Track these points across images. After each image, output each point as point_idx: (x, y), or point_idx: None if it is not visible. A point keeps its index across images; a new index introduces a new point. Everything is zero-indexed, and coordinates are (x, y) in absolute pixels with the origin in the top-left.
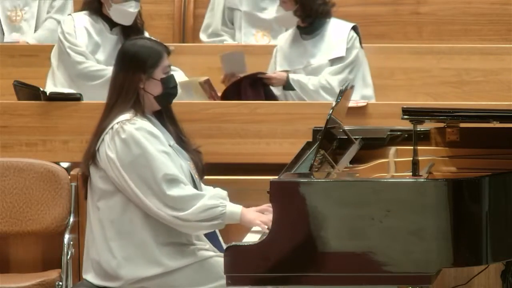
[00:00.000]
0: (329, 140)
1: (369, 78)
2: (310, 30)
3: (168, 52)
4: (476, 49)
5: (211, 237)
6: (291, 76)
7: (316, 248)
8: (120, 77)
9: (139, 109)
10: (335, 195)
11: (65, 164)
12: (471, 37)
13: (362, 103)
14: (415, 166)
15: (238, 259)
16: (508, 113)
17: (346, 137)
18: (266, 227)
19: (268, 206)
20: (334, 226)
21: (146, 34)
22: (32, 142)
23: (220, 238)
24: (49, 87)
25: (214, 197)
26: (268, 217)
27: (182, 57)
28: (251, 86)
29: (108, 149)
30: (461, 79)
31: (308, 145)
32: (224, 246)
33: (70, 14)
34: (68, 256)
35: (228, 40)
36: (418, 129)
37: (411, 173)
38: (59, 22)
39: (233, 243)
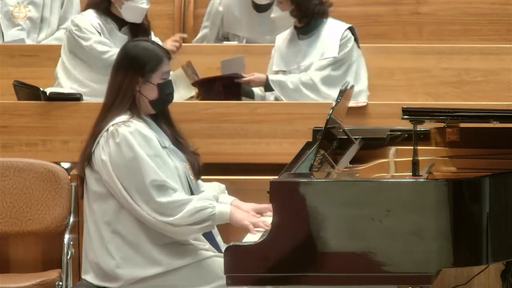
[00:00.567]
0: (329, 140)
1: (363, 75)
2: (306, 30)
3: (169, 58)
4: (476, 49)
5: (209, 237)
6: (271, 77)
7: (316, 248)
8: (119, 78)
9: (135, 110)
10: (335, 195)
11: (66, 165)
12: (471, 37)
13: (362, 103)
14: (415, 166)
15: (238, 259)
16: (508, 113)
17: (346, 137)
18: (253, 227)
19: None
20: (334, 226)
21: (152, 35)
22: (32, 142)
23: (219, 238)
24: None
25: (202, 199)
26: (257, 218)
27: (182, 57)
28: (225, 87)
29: (102, 151)
30: (461, 79)
31: (308, 145)
32: (223, 245)
33: (81, 14)
34: (68, 256)
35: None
36: (418, 129)
37: (411, 173)
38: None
39: (233, 243)
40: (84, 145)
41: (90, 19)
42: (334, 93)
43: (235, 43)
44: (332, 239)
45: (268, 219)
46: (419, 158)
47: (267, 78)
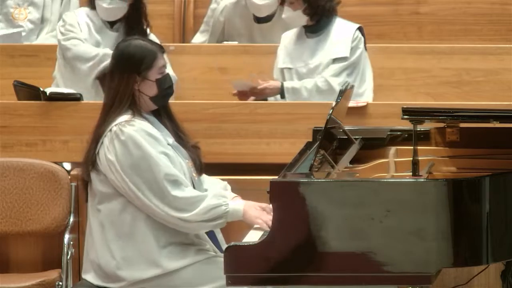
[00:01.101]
0: (329, 140)
1: (368, 76)
2: (315, 28)
3: (163, 51)
4: (476, 49)
5: (210, 235)
6: (286, 84)
7: (316, 248)
8: (115, 80)
9: (136, 109)
10: (335, 195)
11: (67, 166)
12: (471, 37)
13: (362, 103)
14: (415, 166)
15: (238, 259)
16: (508, 113)
17: (346, 137)
18: (266, 226)
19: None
20: (334, 226)
21: (153, 36)
22: (32, 142)
23: (220, 236)
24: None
25: (216, 196)
26: (270, 216)
27: (182, 57)
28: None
29: (108, 152)
30: (461, 79)
31: (308, 145)
32: (224, 244)
33: (73, 11)
34: (68, 256)
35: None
36: (418, 129)
37: (411, 173)
38: None
39: (233, 243)
40: (87, 148)
41: (79, 16)
42: None
43: (235, 43)
44: (332, 239)
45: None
46: (419, 158)
47: (282, 85)
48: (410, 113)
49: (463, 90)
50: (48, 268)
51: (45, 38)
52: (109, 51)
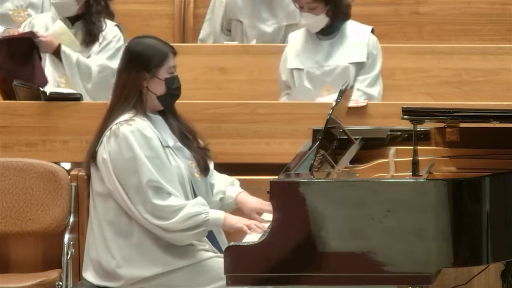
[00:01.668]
0: (329, 140)
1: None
2: (328, 30)
3: (174, 53)
4: (476, 49)
5: (210, 237)
6: (318, 99)
7: (316, 248)
8: (123, 76)
9: (140, 108)
10: (335, 195)
11: (67, 165)
12: (471, 37)
13: (362, 103)
14: (415, 166)
15: (238, 259)
16: (508, 113)
17: (346, 137)
18: (247, 228)
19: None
20: (334, 226)
21: (108, 24)
22: (32, 142)
23: (222, 236)
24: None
25: (196, 204)
26: (250, 220)
27: (182, 57)
28: (11, 55)
29: (104, 150)
30: (461, 79)
31: (308, 145)
32: (225, 244)
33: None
34: (68, 256)
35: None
36: (418, 129)
37: (411, 173)
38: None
39: (233, 243)
40: (90, 142)
41: (44, 17)
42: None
43: (235, 43)
44: (332, 239)
45: (268, 219)
46: (419, 158)
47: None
48: (410, 113)
49: (463, 90)
50: (48, 268)
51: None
52: None
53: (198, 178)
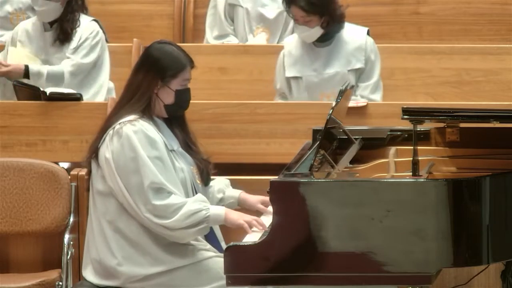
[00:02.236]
0: (329, 140)
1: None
2: (324, 37)
3: (192, 66)
4: (476, 49)
5: (210, 237)
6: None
7: (316, 248)
8: (139, 78)
9: (147, 111)
10: (335, 195)
11: (64, 164)
12: (471, 37)
13: (362, 103)
14: (415, 166)
15: (238, 259)
16: (508, 113)
17: (346, 137)
18: (248, 226)
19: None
20: (334, 226)
21: (88, 20)
22: (32, 142)
23: (220, 238)
24: None
25: (197, 201)
26: (251, 216)
27: None
28: None
29: (106, 149)
30: (461, 79)
31: (308, 145)
32: (224, 245)
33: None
34: (68, 256)
35: (232, 40)
36: (418, 129)
37: (411, 173)
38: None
39: (233, 243)
40: (93, 138)
41: (26, 24)
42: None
43: (235, 43)
44: (332, 239)
45: (268, 218)
46: (419, 158)
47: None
48: (410, 113)
49: (463, 90)
50: (48, 268)
51: None
52: None
53: (199, 184)
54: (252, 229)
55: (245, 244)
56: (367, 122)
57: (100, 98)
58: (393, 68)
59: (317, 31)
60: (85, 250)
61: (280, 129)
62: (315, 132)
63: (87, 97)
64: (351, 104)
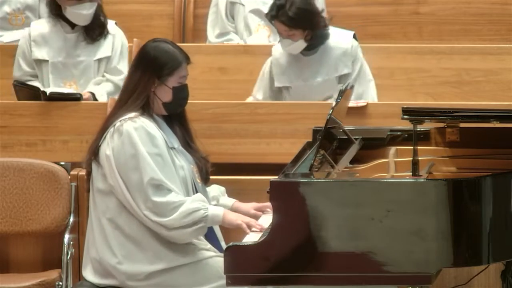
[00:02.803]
0: (329, 140)
1: (371, 75)
2: (310, 46)
3: (188, 62)
4: (476, 49)
5: (210, 237)
6: None
7: (316, 248)
8: (136, 78)
9: (147, 109)
10: (335, 195)
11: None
12: (471, 37)
13: (362, 103)
14: (415, 166)
15: (238, 259)
16: (508, 113)
17: (346, 137)
18: (246, 226)
19: (268, 204)
20: (334, 226)
21: (112, 24)
22: (32, 142)
23: (220, 238)
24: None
25: (195, 200)
26: (249, 218)
27: None
28: None
29: (107, 146)
30: (461, 79)
31: (308, 145)
32: (224, 246)
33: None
34: (68, 256)
35: (233, 38)
36: (418, 129)
37: (411, 173)
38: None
39: (233, 243)
40: (93, 138)
41: (40, 25)
42: None
43: (235, 43)
44: (332, 239)
45: (268, 218)
46: (419, 158)
47: None
48: (410, 113)
49: (463, 90)
50: (48, 268)
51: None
52: None
53: (199, 183)
54: (251, 229)
55: (245, 244)
56: (367, 122)
57: None
58: (393, 68)
59: (301, 44)
60: (85, 250)
61: (280, 129)
62: (315, 132)
63: None
64: (351, 104)
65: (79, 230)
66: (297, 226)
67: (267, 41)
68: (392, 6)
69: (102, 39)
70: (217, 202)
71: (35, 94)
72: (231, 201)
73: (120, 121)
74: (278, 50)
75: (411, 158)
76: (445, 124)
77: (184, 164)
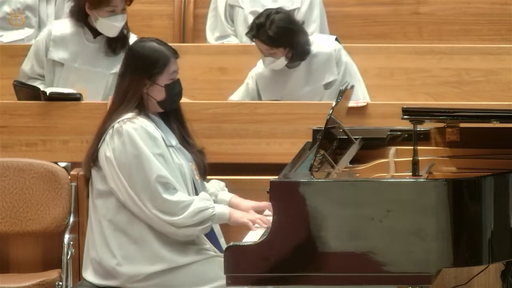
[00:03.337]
0: (329, 140)
1: (359, 75)
2: (294, 59)
3: (177, 57)
4: (476, 49)
5: (210, 237)
6: None
7: (316, 248)
8: (126, 80)
9: (142, 109)
10: (335, 195)
11: (62, 164)
12: (471, 37)
13: (362, 103)
14: (415, 166)
15: (238, 259)
16: (508, 113)
17: (346, 137)
18: (252, 224)
19: (267, 204)
20: (334, 226)
21: (134, 38)
22: (32, 142)
23: (222, 240)
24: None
25: (202, 199)
26: (255, 215)
27: (182, 57)
28: None
29: (107, 148)
30: (461, 79)
31: (308, 145)
32: (224, 245)
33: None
34: (68, 256)
35: (232, 40)
36: (418, 129)
37: (411, 173)
38: None
39: (233, 243)
40: (89, 145)
41: (61, 27)
42: None
43: (235, 43)
44: (332, 239)
45: (268, 219)
46: (419, 158)
47: None
48: (410, 113)
49: (463, 90)
50: (48, 268)
51: None
52: None
53: (198, 180)
54: (256, 226)
55: (245, 244)
56: (367, 122)
57: None
58: (393, 68)
59: (283, 62)
60: (85, 252)
61: (280, 129)
62: (315, 132)
63: None
64: (351, 104)
65: (79, 230)
66: (297, 226)
67: None
68: (392, 6)
69: (122, 52)
70: (215, 198)
71: (35, 94)
72: (229, 196)
73: (119, 122)
74: (261, 65)
75: (411, 158)
76: (445, 124)
77: (183, 162)
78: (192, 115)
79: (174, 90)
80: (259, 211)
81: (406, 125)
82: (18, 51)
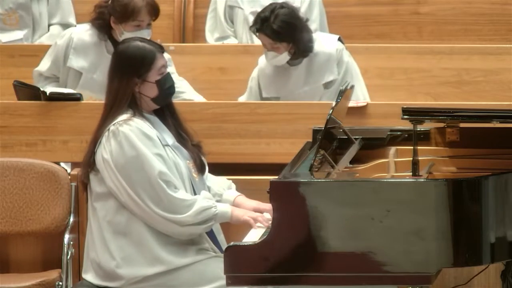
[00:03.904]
0: (329, 140)
1: (360, 76)
2: (294, 58)
3: (162, 51)
4: (476, 49)
5: (209, 234)
6: None
7: (316, 248)
8: (115, 83)
9: (136, 109)
10: (335, 195)
11: (63, 165)
12: (471, 37)
13: (362, 103)
14: (415, 166)
15: (238, 259)
16: (508, 113)
17: (346, 137)
18: (253, 222)
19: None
20: (334, 226)
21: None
22: (32, 142)
23: (221, 236)
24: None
25: (205, 198)
26: (256, 213)
27: (182, 57)
28: None
29: (104, 150)
30: (461, 79)
31: (308, 145)
32: (225, 244)
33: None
34: (68, 256)
35: (232, 41)
36: (418, 129)
37: (411, 173)
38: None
39: (233, 243)
40: (86, 150)
41: (82, 34)
42: None
43: (235, 43)
44: (332, 239)
45: (270, 218)
46: (419, 158)
47: None
48: (410, 113)
49: (463, 90)
50: (48, 268)
51: (39, 41)
52: None
53: (196, 178)
54: (258, 225)
55: (245, 244)
56: (367, 122)
57: None
58: (393, 68)
59: (285, 57)
60: (85, 253)
61: (280, 129)
62: (315, 132)
63: None
64: (351, 104)
65: (79, 230)
66: (297, 226)
67: None
68: (392, 6)
69: None
70: (220, 198)
71: (35, 94)
72: (233, 196)
73: (114, 124)
74: (264, 61)
75: (411, 158)
76: (445, 124)
77: (180, 161)
78: (192, 115)
79: (166, 84)
80: (259, 212)
81: (406, 125)
82: (16, 51)
